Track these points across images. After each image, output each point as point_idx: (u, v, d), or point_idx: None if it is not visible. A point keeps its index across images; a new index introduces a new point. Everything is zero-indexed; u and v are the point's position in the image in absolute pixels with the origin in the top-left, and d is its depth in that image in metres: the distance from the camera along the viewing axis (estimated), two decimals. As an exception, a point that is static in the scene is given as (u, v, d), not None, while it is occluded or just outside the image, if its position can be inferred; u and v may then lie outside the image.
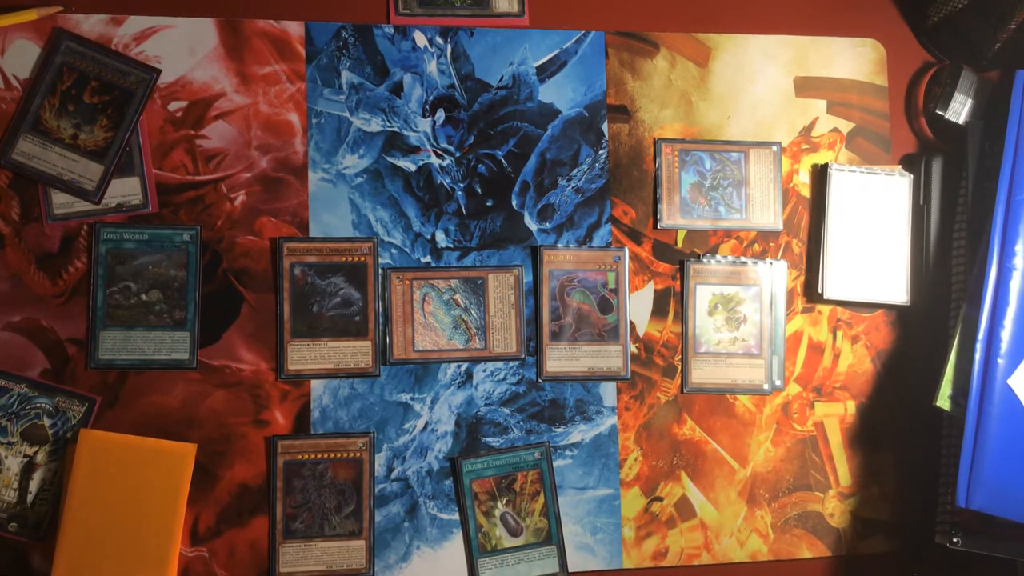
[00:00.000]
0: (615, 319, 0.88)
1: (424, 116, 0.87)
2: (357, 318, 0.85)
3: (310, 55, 0.87)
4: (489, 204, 0.88)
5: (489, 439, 0.86)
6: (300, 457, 0.83)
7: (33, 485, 0.80)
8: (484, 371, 0.86)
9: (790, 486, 0.89)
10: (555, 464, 0.86)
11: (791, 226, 0.92)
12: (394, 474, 0.84)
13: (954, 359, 0.82)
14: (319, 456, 0.83)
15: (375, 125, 0.87)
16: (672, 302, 0.89)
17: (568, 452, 0.86)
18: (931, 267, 0.90)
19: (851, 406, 0.91)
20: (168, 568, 0.79)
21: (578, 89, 0.90)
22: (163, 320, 0.82)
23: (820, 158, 0.93)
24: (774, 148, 0.92)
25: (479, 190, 0.88)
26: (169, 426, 0.82)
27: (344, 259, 0.85)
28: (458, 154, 0.88)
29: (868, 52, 0.94)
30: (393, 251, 0.86)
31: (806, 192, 0.92)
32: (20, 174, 0.82)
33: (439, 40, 0.88)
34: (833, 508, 0.89)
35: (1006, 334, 0.80)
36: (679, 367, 0.89)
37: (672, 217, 0.90)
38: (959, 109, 0.90)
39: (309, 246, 0.85)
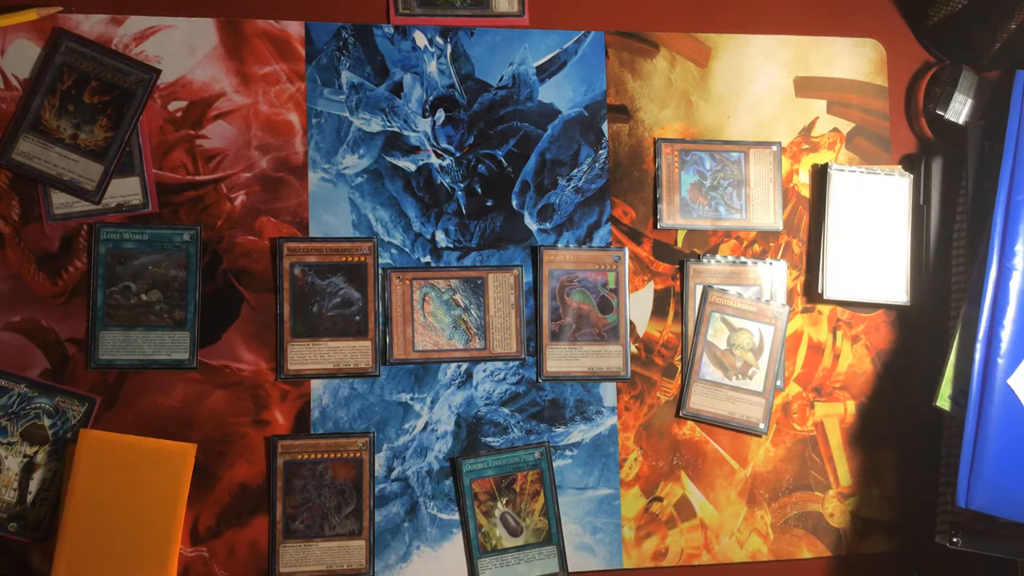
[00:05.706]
0: (615, 319, 0.88)
1: (424, 116, 0.87)
2: (357, 318, 0.85)
3: (310, 55, 0.87)
4: (489, 204, 0.88)
5: (489, 439, 0.86)
6: (300, 457, 0.83)
7: (33, 485, 0.80)
8: (484, 371, 0.86)
9: (790, 486, 0.89)
10: (555, 464, 0.86)
11: (791, 226, 0.92)
12: (394, 474, 0.84)
13: (954, 359, 0.82)
14: (319, 456, 0.83)
15: (375, 125, 0.87)
16: (672, 302, 0.89)
17: (568, 452, 0.86)
18: (931, 267, 0.89)
19: (851, 406, 0.91)
20: (168, 568, 0.79)
21: (578, 89, 0.90)
22: (163, 320, 0.82)
23: (820, 158, 0.93)
24: (774, 148, 0.91)
25: (479, 190, 0.88)
26: (169, 426, 0.82)
27: (344, 259, 0.85)
28: (458, 154, 0.88)
29: (868, 52, 0.94)
30: (393, 251, 0.86)
31: (806, 192, 0.92)
32: (20, 174, 0.82)
33: (439, 40, 0.88)
34: (833, 508, 0.89)
35: (1006, 334, 0.80)
36: (679, 367, 0.89)
37: (672, 217, 0.90)
38: (959, 109, 0.90)
39: (309, 246, 0.85)
